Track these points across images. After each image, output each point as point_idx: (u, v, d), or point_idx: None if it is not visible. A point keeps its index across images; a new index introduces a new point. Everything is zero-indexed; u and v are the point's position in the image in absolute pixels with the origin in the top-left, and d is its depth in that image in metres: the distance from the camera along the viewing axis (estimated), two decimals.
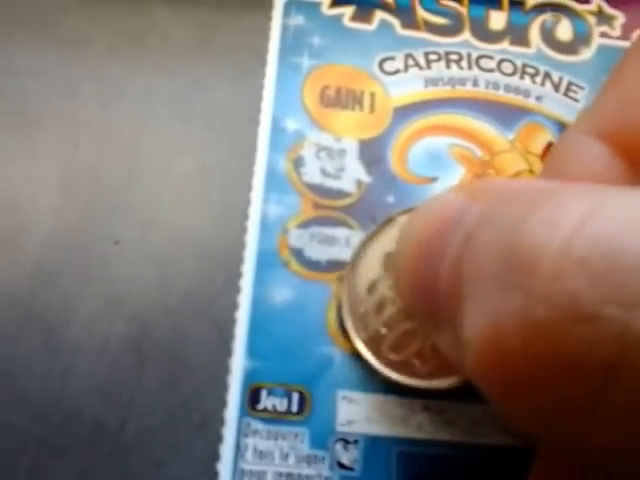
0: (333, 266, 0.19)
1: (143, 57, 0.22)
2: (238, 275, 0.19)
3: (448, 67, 0.22)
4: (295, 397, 0.18)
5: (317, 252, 0.19)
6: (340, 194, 0.20)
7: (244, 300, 0.19)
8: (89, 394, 0.18)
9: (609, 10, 0.23)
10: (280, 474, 0.17)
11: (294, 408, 0.18)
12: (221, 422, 0.17)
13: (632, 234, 0.11)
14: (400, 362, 0.18)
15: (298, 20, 0.22)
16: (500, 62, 0.22)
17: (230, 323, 0.18)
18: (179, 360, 0.18)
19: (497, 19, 0.23)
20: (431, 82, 0.22)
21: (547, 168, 0.18)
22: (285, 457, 0.17)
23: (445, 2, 0.23)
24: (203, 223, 0.20)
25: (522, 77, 0.22)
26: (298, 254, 0.19)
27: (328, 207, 0.20)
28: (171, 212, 0.20)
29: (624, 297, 0.11)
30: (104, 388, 0.18)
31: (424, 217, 0.15)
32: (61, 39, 0.22)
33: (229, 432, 0.17)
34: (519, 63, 0.22)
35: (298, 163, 0.20)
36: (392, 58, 0.22)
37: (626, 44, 0.23)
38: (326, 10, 0.22)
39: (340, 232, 0.20)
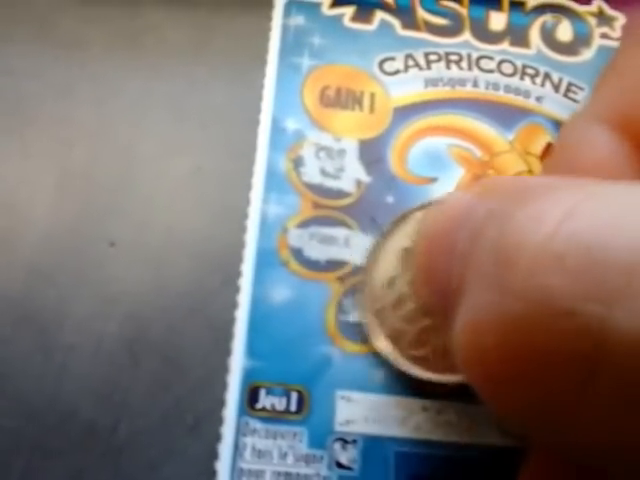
0: (332, 266, 0.19)
1: (139, 58, 0.22)
2: (236, 275, 0.19)
3: (448, 68, 0.22)
4: (294, 396, 0.18)
5: (316, 252, 0.19)
6: (340, 194, 0.20)
7: (243, 299, 0.19)
8: (83, 395, 0.18)
9: (609, 11, 0.23)
10: (278, 473, 0.17)
11: (293, 407, 0.18)
12: (219, 421, 0.17)
13: (613, 230, 0.11)
14: (420, 357, 0.18)
15: (298, 20, 0.22)
16: (500, 63, 0.22)
17: (226, 323, 0.18)
18: (174, 361, 0.18)
19: (497, 20, 0.23)
20: (431, 82, 0.22)
21: (555, 159, 0.18)
22: (284, 456, 0.17)
23: (445, 3, 0.23)
24: (198, 224, 0.20)
25: (522, 78, 0.22)
26: (297, 254, 0.19)
27: (328, 207, 0.20)
28: (166, 213, 0.20)
29: (603, 293, 0.11)
30: (98, 389, 0.18)
31: (436, 215, 0.15)
32: (57, 40, 0.22)
33: (228, 431, 0.17)
34: (519, 64, 0.22)
35: (298, 163, 0.20)
36: (392, 58, 0.22)
37: None
38: (326, 10, 0.22)
39: (339, 232, 0.20)
